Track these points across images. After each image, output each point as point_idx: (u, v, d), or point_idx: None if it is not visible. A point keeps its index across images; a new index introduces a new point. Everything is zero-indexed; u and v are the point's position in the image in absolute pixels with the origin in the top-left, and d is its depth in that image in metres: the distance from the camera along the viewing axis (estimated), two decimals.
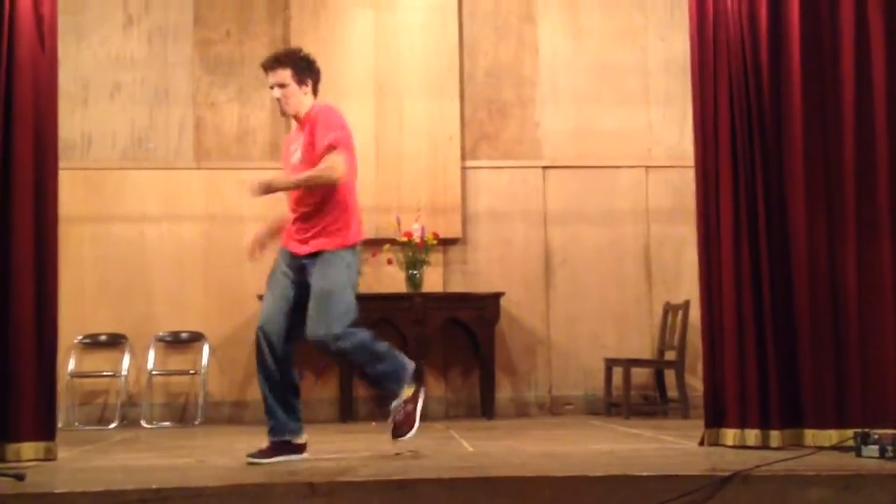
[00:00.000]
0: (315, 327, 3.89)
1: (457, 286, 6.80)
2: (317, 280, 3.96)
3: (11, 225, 4.20)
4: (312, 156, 4.02)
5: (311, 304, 3.93)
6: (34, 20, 4.37)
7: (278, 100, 4.08)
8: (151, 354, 6.52)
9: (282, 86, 4.05)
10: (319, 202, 4.03)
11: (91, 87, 6.72)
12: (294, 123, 4.22)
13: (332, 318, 3.89)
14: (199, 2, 6.83)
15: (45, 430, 4.16)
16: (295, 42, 6.73)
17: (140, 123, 6.75)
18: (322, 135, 3.99)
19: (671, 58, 6.95)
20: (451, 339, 6.75)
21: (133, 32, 6.78)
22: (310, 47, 6.60)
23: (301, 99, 4.10)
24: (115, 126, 6.74)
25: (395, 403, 4.08)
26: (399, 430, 4.09)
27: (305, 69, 4.12)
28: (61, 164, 4.49)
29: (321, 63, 6.59)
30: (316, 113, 4.09)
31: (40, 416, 4.16)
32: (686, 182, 6.03)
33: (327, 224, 4.03)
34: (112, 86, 6.75)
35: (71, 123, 6.45)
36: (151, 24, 6.80)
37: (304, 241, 4.05)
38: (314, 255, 4.01)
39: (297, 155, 4.10)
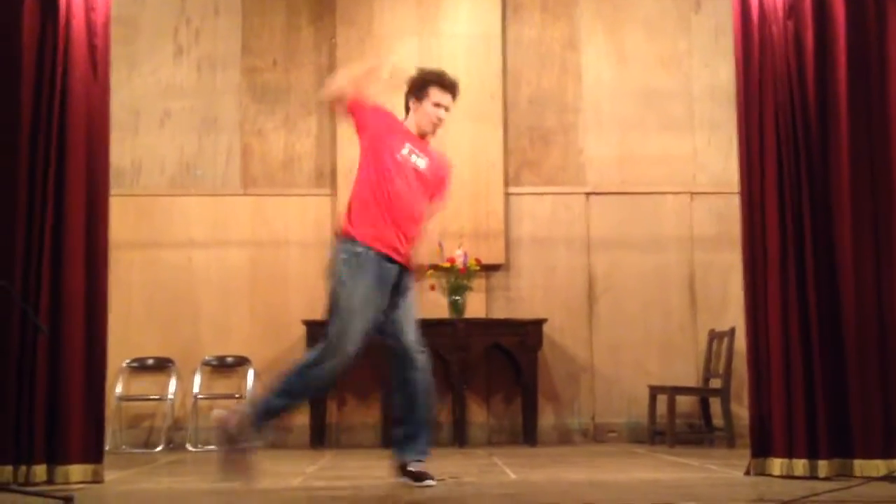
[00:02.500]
0: None
1: (499, 312, 6.80)
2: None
3: (64, 250, 4.29)
4: (434, 188, 4.13)
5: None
6: (88, 50, 4.49)
7: (440, 120, 4.11)
8: (197, 378, 6.60)
9: (447, 110, 4.13)
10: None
11: (141, 115, 6.87)
12: (412, 130, 4.17)
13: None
14: (246, 31, 6.96)
15: (93, 452, 4.23)
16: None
17: (189, 150, 6.88)
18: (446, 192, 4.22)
19: (716, 84, 6.92)
20: (493, 365, 6.74)
21: (183, 61, 6.93)
22: None
23: None
24: (165, 153, 6.88)
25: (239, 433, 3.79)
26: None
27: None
28: (112, 190, 4.59)
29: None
30: (445, 158, 4.28)
31: (88, 438, 4.22)
32: (731, 209, 5.98)
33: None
34: (162, 114, 6.90)
35: (121, 151, 6.58)
36: (201, 53, 6.94)
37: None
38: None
39: (423, 163, 4.08)
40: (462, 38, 6.97)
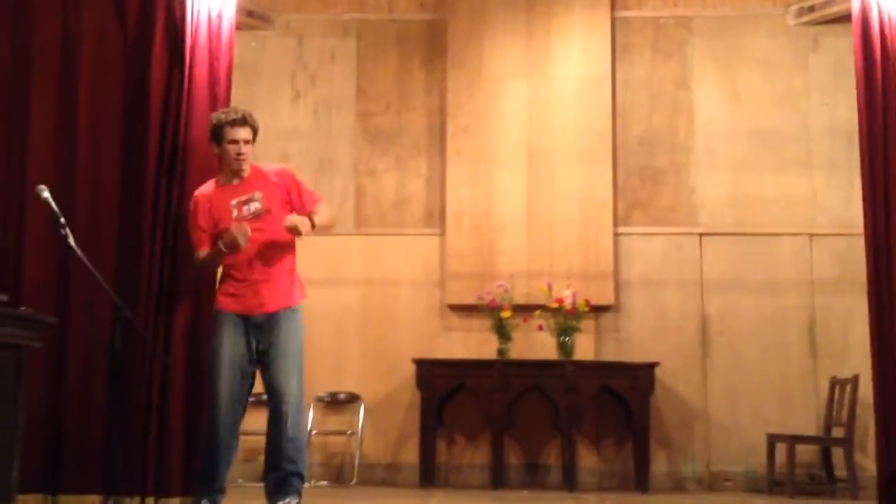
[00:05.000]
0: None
1: (609, 354, 6.71)
2: None
3: (178, 290, 4.49)
4: (281, 207, 4.21)
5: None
6: (209, 98, 4.71)
7: (239, 154, 4.21)
8: (311, 414, 6.72)
9: (247, 142, 4.24)
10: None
11: (260, 157, 7.01)
12: (221, 183, 4.28)
13: None
14: (361, 76, 7.15)
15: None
16: (451, 113, 6.97)
17: None
18: (305, 187, 4.34)
19: (836, 123, 6.73)
20: (603, 408, 6.64)
21: (300, 105, 7.16)
22: (465, 118, 6.96)
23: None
24: None
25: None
26: None
27: (256, 134, 4.33)
28: None
29: (475, 131, 6.92)
30: (273, 169, 4.37)
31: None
32: (854, 251, 5.81)
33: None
34: (280, 155, 7.09)
35: None
36: (317, 97, 7.16)
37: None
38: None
39: (253, 207, 4.20)
40: (571, 80, 6.99)
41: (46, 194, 3.70)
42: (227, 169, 4.27)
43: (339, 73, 7.17)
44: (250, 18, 6.94)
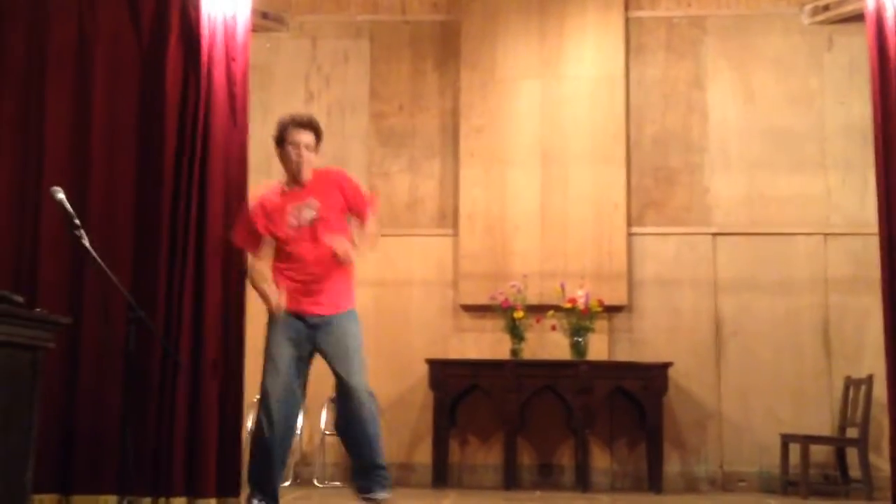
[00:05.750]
0: None
1: (623, 355, 6.70)
2: None
3: (205, 283, 4.50)
4: (339, 213, 4.15)
5: None
6: (228, 98, 4.74)
7: (300, 157, 4.12)
8: (324, 415, 6.73)
9: (308, 147, 4.15)
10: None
11: (274, 159, 7.04)
12: (284, 186, 4.20)
13: None
14: (374, 78, 7.17)
15: (231, 486, 4.37)
16: (464, 113, 6.98)
17: None
18: (359, 188, 4.27)
19: (850, 122, 6.70)
20: (617, 408, 6.63)
21: (314, 107, 7.17)
22: (478, 119, 6.96)
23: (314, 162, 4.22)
24: None
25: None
26: None
27: (321, 140, 4.25)
28: None
29: (489, 132, 6.92)
30: (331, 171, 4.28)
31: (226, 472, 4.37)
32: (869, 250, 5.77)
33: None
34: None
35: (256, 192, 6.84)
36: (331, 99, 7.18)
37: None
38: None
39: (309, 215, 4.12)
40: (585, 80, 6.98)
41: (61, 195, 3.73)
42: (289, 172, 4.18)
43: (352, 74, 7.19)
44: (264, 20, 6.97)
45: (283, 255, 4.12)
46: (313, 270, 4.08)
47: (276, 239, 4.11)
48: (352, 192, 4.23)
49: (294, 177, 4.16)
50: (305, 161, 4.13)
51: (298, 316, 4.08)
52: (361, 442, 4.08)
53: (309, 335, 4.09)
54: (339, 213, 4.16)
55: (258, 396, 4.14)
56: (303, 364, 4.13)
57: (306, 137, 4.14)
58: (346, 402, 4.08)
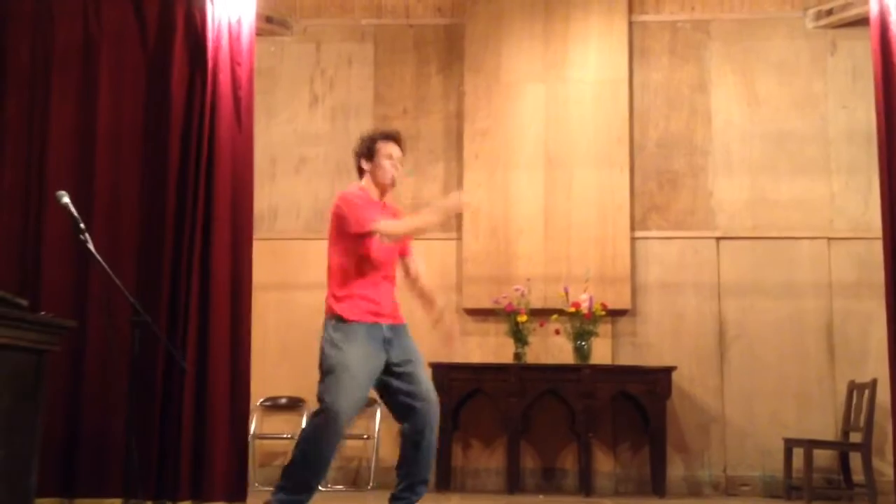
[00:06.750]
0: None
1: (626, 359, 6.70)
2: None
3: (210, 286, 4.51)
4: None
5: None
6: (233, 102, 4.75)
7: (397, 171, 4.07)
8: None
9: (399, 161, 4.12)
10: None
11: (278, 162, 7.16)
12: (372, 194, 4.09)
13: None
14: (378, 81, 7.18)
15: (237, 490, 4.37)
16: (468, 117, 6.99)
17: (322, 196, 7.09)
18: None
19: (854, 126, 6.71)
20: (620, 412, 6.63)
21: (318, 110, 7.20)
22: (482, 122, 6.97)
23: None
24: (300, 199, 7.13)
25: None
26: None
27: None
28: None
29: (493, 135, 6.93)
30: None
31: (232, 476, 4.37)
32: (873, 254, 5.77)
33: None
34: (298, 160, 7.17)
35: (260, 196, 6.81)
36: (335, 102, 7.19)
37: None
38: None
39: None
40: (589, 84, 6.98)
41: (66, 199, 3.74)
42: (379, 186, 4.07)
43: (356, 77, 7.20)
44: (269, 24, 6.99)
45: (362, 264, 3.97)
46: (384, 283, 4.01)
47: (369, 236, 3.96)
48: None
49: (384, 190, 4.09)
50: (398, 175, 4.08)
51: (376, 326, 3.94)
52: (426, 456, 3.98)
53: (387, 346, 3.95)
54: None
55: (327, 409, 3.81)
56: (376, 377, 3.96)
57: (398, 151, 4.11)
58: (425, 415, 3.97)
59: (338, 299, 3.93)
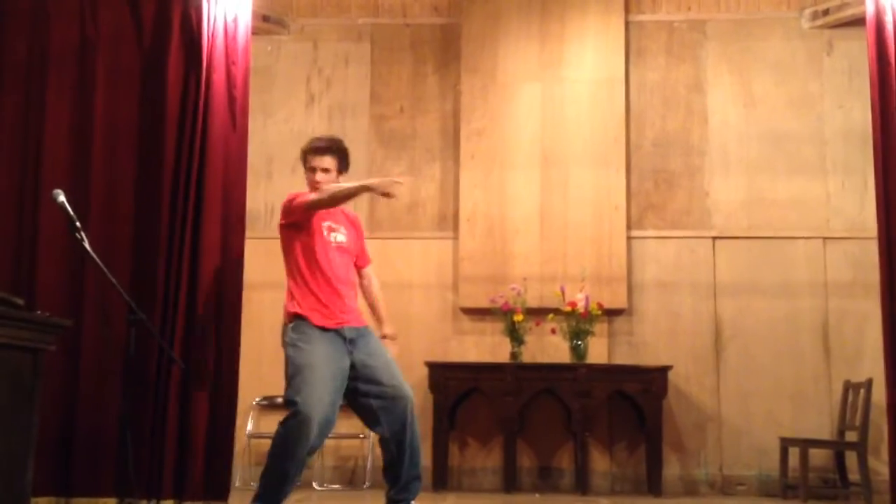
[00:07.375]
0: None
1: (622, 358, 6.70)
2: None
3: (198, 288, 4.51)
4: (355, 251, 4.22)
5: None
6: (227, 101, 4.75)
7: (317, 182, 4.10)
8: None
9: (325, 171, 4.14)
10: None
11: (275, 161, 7.15)
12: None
13: None
14: (375, 80, 7.18)
15: (219, 489, 4.37)
16: (465, 116, 6.99)
17: None
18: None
19: (850, 126, 6.72)
20: (616, 412, 6.64)
21: (314, 109, 7.19)
22: (479, 121, 6.97)
23: None
24: None
25: None
26: None
27: (347, 161, 4.24)
28: (246, 233, 4.78)
29: (489, 135, 6.93)
30: (352, 215, 4.33)
31: (214, 475, 4.37)
32: (868, 254, 5.79)
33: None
34: (294, 160, 7.05)
35: (256, 195, 6.84)
36: (332, 101, 7.19)
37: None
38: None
39: (340, 237, 4.14)
40: (585, 83, 6.99)
41: (62, 198, 3.74)
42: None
43: (353, 77, 7.20)
44: (266, 23, 6.99)
45: (316, 268, 4.01)
46: (339, 287, 4.04)
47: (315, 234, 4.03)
48: (362, 241, 4.34)
49: None
50: (320, 185, 4.10)
51: (336, 330, 3.96)
52: (411, 453, 3.98)
53: (350, 347, 3.97)
54: (355, 251, 4.24)
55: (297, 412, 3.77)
56: (344, 380, 3.95)
57: (322, 162, 4.14)
58: (400, 412, 3.96)
59: (295, 303, 3.97)
